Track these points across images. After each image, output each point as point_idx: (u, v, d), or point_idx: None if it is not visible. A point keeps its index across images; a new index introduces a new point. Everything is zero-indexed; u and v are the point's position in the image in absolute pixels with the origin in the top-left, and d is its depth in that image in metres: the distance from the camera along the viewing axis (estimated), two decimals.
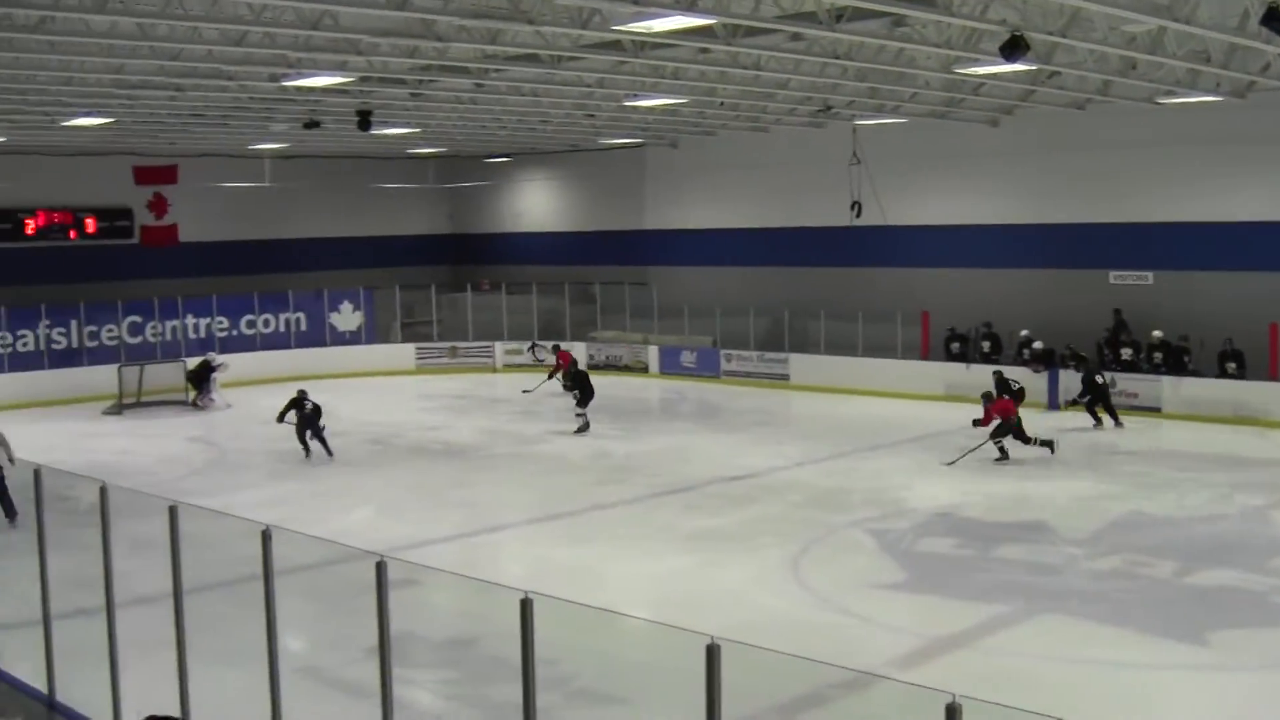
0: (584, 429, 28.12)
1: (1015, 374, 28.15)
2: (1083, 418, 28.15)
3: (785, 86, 25.99)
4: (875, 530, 19.41)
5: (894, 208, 32.24)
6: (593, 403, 28.36)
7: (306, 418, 25.08)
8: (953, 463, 23.96)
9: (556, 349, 34.75)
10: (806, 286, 36.44)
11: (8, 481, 18.41)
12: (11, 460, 17.63)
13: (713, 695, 6.27)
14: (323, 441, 25.45)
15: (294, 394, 25.28)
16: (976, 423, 24.70)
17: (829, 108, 29.24)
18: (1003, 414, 24.43)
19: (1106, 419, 27.88)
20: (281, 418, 25.36)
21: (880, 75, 24.39)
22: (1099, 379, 28.08)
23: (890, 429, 28.38)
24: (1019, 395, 26.11)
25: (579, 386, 28.81)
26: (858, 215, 31.50)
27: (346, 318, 40.99)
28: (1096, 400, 27.99)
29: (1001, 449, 24.29)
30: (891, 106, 28.92)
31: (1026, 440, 24.34)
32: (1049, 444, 24.52)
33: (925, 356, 33.62)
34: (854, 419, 30.11)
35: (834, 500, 21.50)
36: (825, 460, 25.11)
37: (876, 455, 25.71)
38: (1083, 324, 30.73)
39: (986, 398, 25.15)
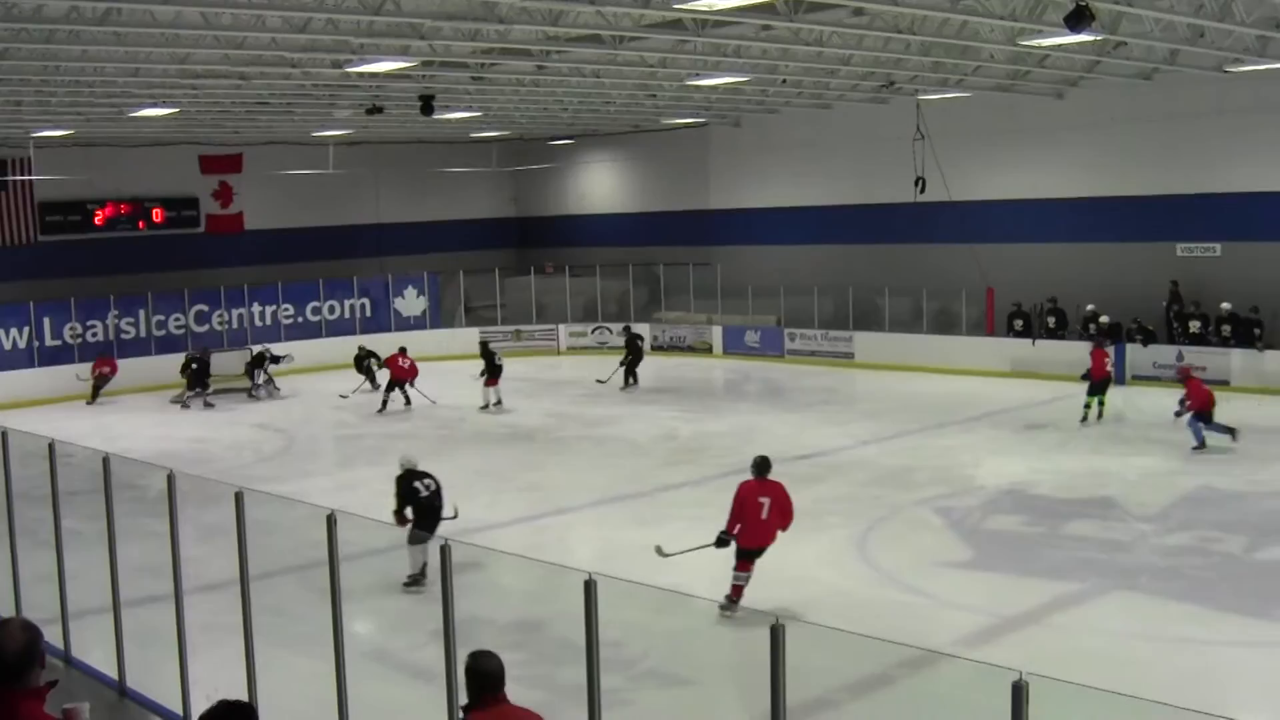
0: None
1: (1080, 349, 27.82)
2: (1151, 391, 27.85)
3: (848, 62, 25.84)
4: (942, 508, 19.31)
5: (958, 183, 31.96)
6: (654, 383, 28.26)
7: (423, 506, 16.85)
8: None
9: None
10: (870, 264, 36.23)
11: None
12: None
13: (777, 675, 6.23)
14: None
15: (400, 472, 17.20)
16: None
17: (892, 83, 29.05)
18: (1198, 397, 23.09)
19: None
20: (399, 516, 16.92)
21: (944, 49, 24.18)
22: None
23: (956, 406, 28.22)
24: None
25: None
26: (921, 191, 31.25)
27: (411, 303, 41.20)
28: None
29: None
30: (955, 80, 28.66)
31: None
32: (1231, 431, 22.87)
33: (990, 333, 33.38)
34: (919, 396, 29.95)
35: (900, 478, 21.39)
36: (891, 438, 24.98)
37: (943, 433, 25.55)
38: (1150, 297, 30.39)
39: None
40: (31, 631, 5.23)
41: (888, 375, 33.07)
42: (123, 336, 36.40)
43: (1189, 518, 18.58)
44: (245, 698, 8.60)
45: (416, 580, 15.24)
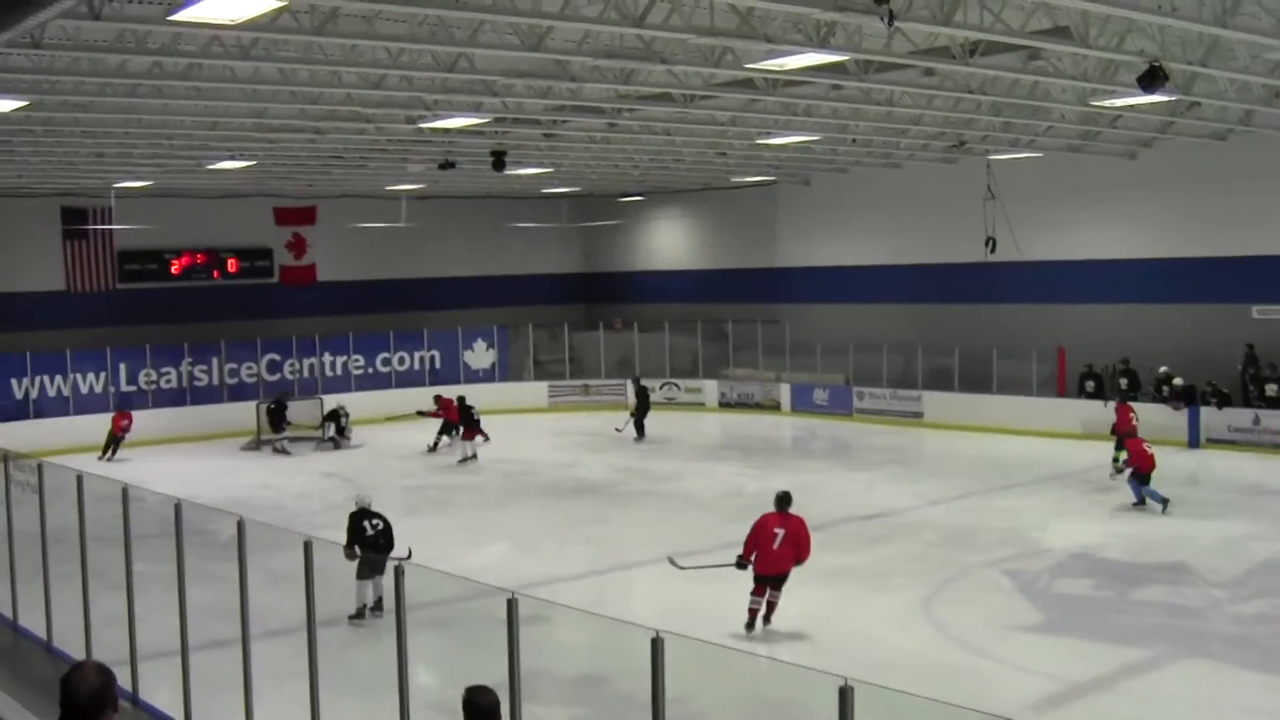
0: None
1: (1154, 411, 27.56)
2: (1226, 455, 27.50)
3: (918, 122, 25.85)
4: (1011, 570, 19.11)
5: (1029, 243, 31.83)
6: (721, 439, 28.25)
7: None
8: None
9: (437, 399, 33.57)
10: (940, 323, 36.09)
11: None
12: None
13: None
14: None
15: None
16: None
17: (963, 143, 29.01)
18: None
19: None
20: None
21: (1015, 109, 24.14)
22: None
23: (1025, 467, 27.97)
24: None
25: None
26: (992, 251, 31.12)
27: (480, 355, 41.42)
28: None
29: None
30: (1026, 140, 28.60)
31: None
32: (1164, 501, 23.04)
33: (1061, 394, 33.09)
34: (988, 457, 29.72)
35: (968, 539, 21.20)
36: (959, 499, 24.80)
37: (1012, 494, 25.32)
38: (1225, 359, 30.05)
39: None
40: (105, 675, 5.30)
41: (956, 435, 32.84)
42: (195, 384, 36.85)
43: (1264, 585, 18.28)
44: None
45: (361, 614, 16.01)
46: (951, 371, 35.08)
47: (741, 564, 15.89)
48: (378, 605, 16.01)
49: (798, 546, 15.88)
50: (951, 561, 19.78)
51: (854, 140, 28.69)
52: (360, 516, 16.99)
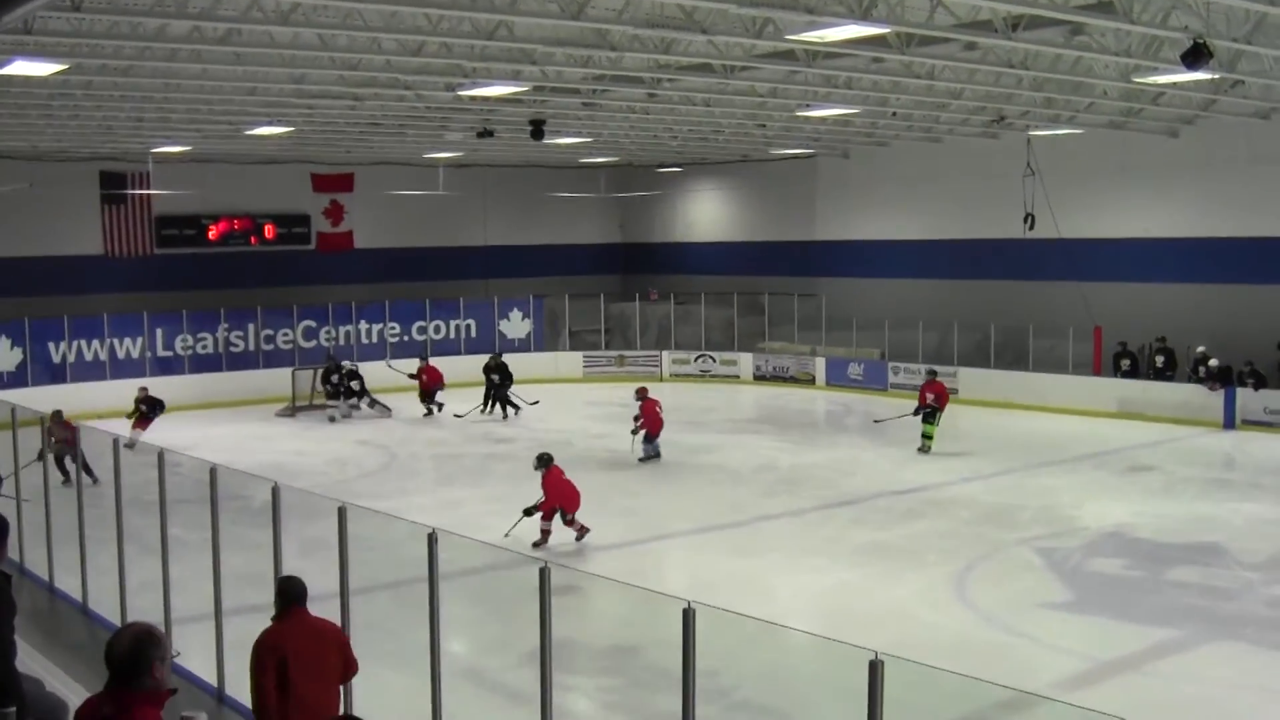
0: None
1: (1190, 391, 27.42)
2: (1261, 437, 27.35)
3: (959, 96, 25.69)
4: (1044, 549, 19.06)
5: (1068, 220, 31.66)
6: (756, 413, 28.24)
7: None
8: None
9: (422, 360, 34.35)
10: (977, 299, 35.93)
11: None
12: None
13: (875, 712, 6.19)
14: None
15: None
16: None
17: (1003, 118, 28.84)
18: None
19: None
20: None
21: (1056, 84, 23.99)
22: None
23: (1060, 445, 27.87)
24: None
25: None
26: (1031, 227, 30.99)
27: (516, 325, 41.49)
28: None
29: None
30: (1067, 116, 28.38)
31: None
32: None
33: (1098, 372, 32.92)
34: (1023, 434, 29.63)
35: (1001, 517, 21.16)
36: (993, 476, 24.73)
37: (1045, 472, 25.24)
38: (1262, 341, 29.83)
39: None
40: (140, 639, 5.36)
41: (991, 412, 32.71)
42: (232, 349, 37.05)
43: None
44: (340, 711, 8.70)
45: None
46: (987, 348, 34.95)
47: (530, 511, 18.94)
48: None
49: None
50: (984, 539, 19.75)
51: (894, 114, 28.53)
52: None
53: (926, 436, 26.85)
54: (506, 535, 18.21)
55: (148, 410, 28.47)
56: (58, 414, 21.88)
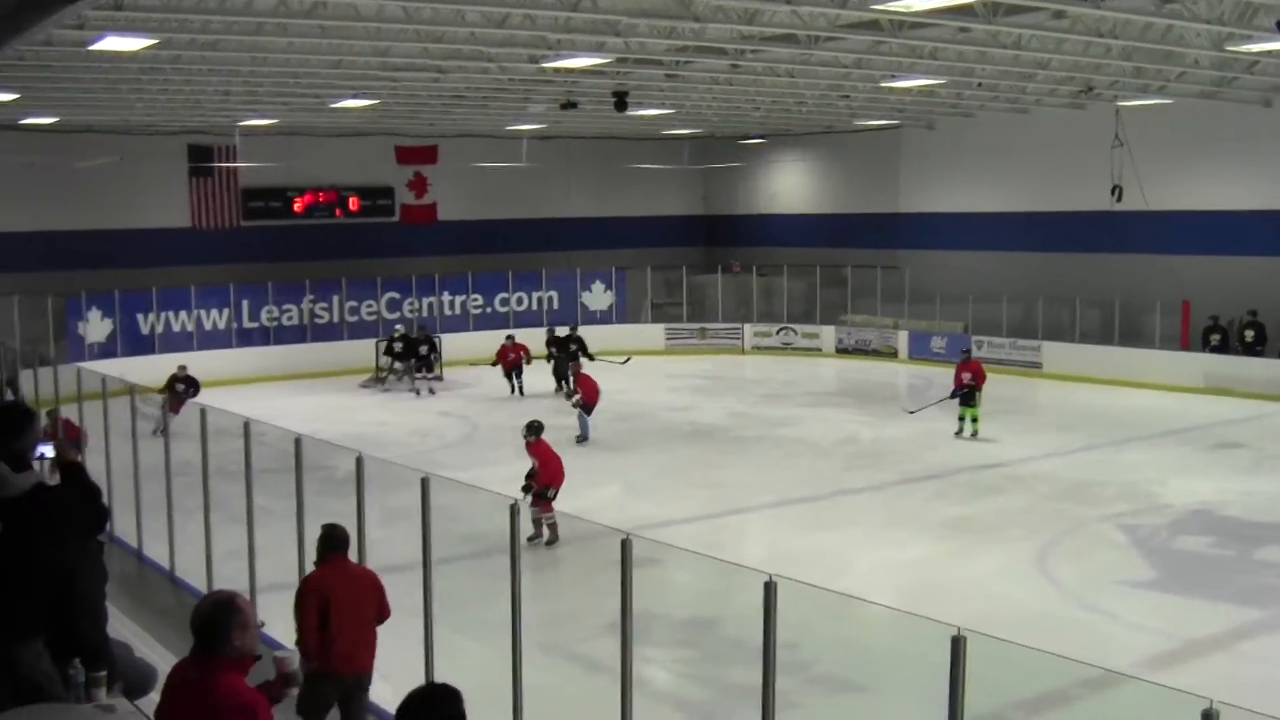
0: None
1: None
2: None
3: (1046, 66, 25.36)
4: (1127, 525, 18.88)
5: (1156, 192, 31.22)
6: (837, 385, 28.13)
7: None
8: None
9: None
10: (1062, 272, 35.56)
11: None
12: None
13: (956, 687, 6.18)
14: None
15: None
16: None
17: (1091, 88, 28.43)
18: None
19: None
20: None
21: (1146, 54, 23.63)
22: None
23: (1146, 421, 27.57)
24: None
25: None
26: (1118, 199, 30.59)
27: (598, 297, 41.60)
28: None
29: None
30: (1157, 86, 27.94)
31: None
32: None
33: (1185, 347, 32.46)
34: (1108, 409, 29.30)
35: (1085, 493, 20.97)
36: (1077, 451, 24.52)
37: (1131, 448, 24.97)
38: None
39: None
40: (219, 606, 5.48)
41: (1075, 387, 32.40)
42: (316, 321, 37.47)
43: None
44: (423, 679, 8.80)
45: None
46: (1072, 322, 34.60)
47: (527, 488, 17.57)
48: None
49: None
50: (1066, 514, 19.59)
51: (980, 84, 28.21)
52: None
53: (971, 420, 26.03)
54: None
55: (184, 389, 27.13)
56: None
